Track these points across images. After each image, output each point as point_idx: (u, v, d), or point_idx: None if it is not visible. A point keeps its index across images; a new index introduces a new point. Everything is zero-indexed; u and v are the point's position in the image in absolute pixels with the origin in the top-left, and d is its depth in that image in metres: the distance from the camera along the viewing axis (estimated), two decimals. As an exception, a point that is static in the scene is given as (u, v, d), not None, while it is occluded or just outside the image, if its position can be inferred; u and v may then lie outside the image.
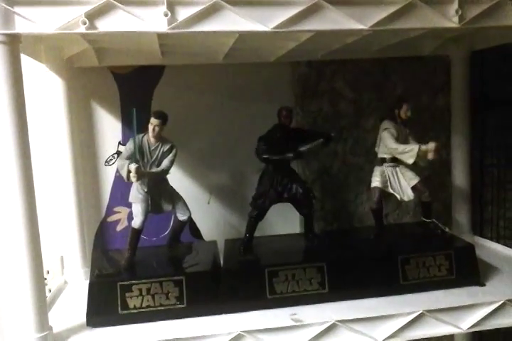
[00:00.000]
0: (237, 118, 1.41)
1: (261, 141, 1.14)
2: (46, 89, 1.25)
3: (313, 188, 1.32)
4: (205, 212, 1.43)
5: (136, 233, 1.11)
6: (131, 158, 1.09)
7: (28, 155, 0.87)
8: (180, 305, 1.01)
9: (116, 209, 1.40)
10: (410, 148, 1.16)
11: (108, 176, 1.40)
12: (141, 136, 1.11)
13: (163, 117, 1.10)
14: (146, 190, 1.11)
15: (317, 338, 0.97)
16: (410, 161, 1.16)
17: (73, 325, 1.01)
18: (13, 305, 0.90)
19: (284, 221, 1.43)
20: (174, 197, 1.16)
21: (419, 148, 1.14)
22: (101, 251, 1.32)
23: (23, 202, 0.86)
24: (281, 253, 1.16)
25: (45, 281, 1.34)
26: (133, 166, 1.05)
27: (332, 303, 1.05)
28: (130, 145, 1.10)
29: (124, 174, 1.08)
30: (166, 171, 1.13)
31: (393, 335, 0.99)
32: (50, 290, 1.21)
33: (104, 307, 1.00)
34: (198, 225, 1.44)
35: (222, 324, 0.99)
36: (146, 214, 1.11)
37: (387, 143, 1.20)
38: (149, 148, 1.11)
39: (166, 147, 1.12)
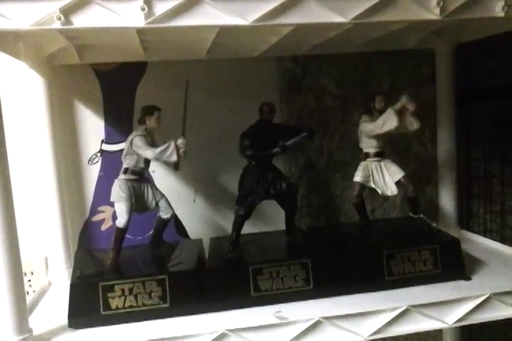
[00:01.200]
0: (222, 114, 1.39)
1: (243, 138, 1.13)
2: (27, 87, 1.22)
3: (299, 184, 1.32)
4: (190, 210, 1.42)
5: (121, 232, 1.10)
6: (151, 145, 1.09)
7: (4, 154, 0.86)
8: (163, 305, 1.00)
9: (100, 208, 1.39)
10: (385, 115, 1.15)
11: (91, 175, 1.38)
12: (142, 129, 1.12)
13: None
14: (129, 188, 1.10)
15: (302, 335, 0.96)
16: (395, 124, 1.13)
17: (55, 327, 0.99)
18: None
19: (269, 218, 1.42)
20: (157, 195, 1.14)
21: (393, 109, 1.14)
22: (84, 251, 1.30)
23: (-1, 202, 0.84)
24: (265, 250, 1.15)
25: (29, 282, 1.33)
26: (181, 140, 1.05)
27: (317, 300, 1.04)
28: (142, 137, 1.09)
29: (174, 154, 1.05)
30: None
31: (379, 331, 0.98)
32: (34, 291, 1.19)
33: (86, 308, 0.98)
34: (184, 223, 1.43)
35: (206, 323, 0.98)
36: (131, 213, 1.10)
37: (366, 130, 1.20)
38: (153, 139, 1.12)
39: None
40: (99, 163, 1.38)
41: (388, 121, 1.14)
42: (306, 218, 1.46)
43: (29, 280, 1.33)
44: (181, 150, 1.05)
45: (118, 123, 1.37)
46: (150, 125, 1.11)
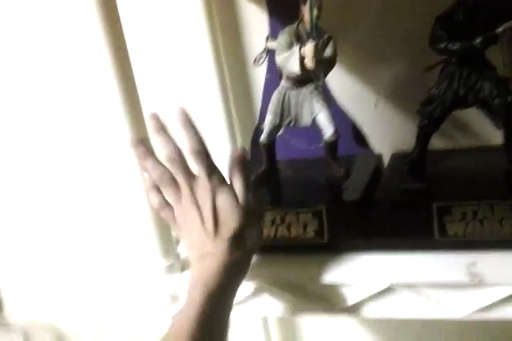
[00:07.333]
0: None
1: (437, 24, 0.81)
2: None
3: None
4: (371, 116, 1.17)
5: (264, 147, 0.98)
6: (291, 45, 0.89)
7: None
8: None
9: (268, 115, 1.26)
10: None
11: (258, 78, 1.22)
12: (294, 25, 0.90)
13: None
14: (281, 98, 0.93)
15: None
16: None
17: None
18: (136, 230, 0.85)
19: (476, 129, 1.11)
20: (315, 109, 0.92)
21: None
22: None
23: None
24: (461, 179, 0.87)
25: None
26: (310, 44, 0.84)
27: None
28: (285, 35, 0.90)
29: (296, 64, 0.87)
30: (334, 60, 0.91)
31: None
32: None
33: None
34: (364, 132, 1.21)
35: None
36: (272, 128, 0.96)
37: None
38: (308, 37, 0.88)
39: (324, 37, 0.88)
40: (265, 63, 1.21)
41: None
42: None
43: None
44: (307, 60, 0.83)
45: (284, 15, 1.15)
46: (305, 17, 0.86)
